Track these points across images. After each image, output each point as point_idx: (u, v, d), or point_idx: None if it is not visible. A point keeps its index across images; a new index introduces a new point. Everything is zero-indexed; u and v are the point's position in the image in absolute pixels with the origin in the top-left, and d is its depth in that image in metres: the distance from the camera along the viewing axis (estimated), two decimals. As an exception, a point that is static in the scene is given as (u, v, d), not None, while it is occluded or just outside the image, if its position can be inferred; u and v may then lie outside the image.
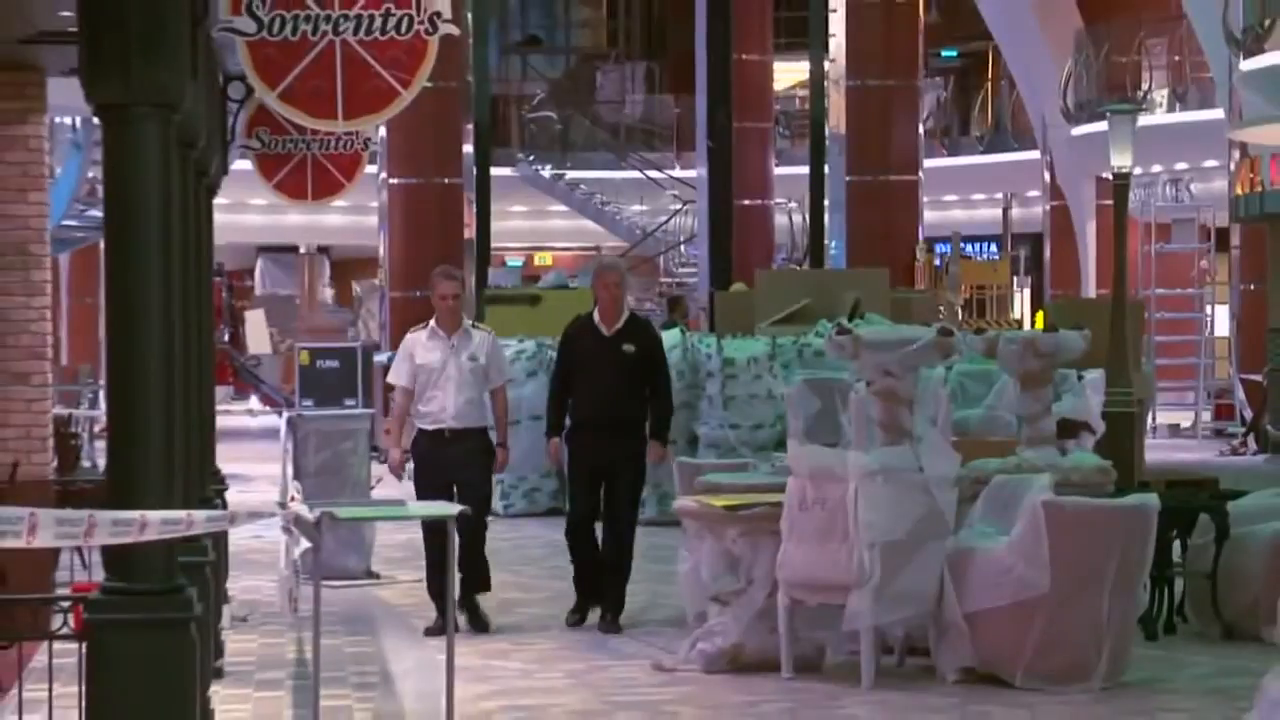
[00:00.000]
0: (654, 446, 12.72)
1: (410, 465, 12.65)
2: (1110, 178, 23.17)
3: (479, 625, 12.35)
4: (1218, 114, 29.53)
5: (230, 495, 12.95)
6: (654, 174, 44.75)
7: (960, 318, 32.07)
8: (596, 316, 12.66)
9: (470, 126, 31.71)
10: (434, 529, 11.82)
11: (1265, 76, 24.96)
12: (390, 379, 12.82)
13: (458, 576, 11.61)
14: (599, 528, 12.82)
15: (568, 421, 12.78)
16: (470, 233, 31.63)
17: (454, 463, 12.16)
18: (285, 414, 17.89)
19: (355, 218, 37.85)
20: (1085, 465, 13.10)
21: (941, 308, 29.67)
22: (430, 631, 12.13)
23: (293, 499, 11.73)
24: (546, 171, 44.24)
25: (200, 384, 10.30)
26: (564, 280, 29.28)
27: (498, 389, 12.60)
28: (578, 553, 12.74)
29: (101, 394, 21.93)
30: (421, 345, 12.40)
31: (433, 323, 12.47)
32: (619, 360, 12.44)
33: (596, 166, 45.36)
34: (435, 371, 12.23)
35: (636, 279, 42.37)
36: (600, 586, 12.57)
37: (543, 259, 47.58)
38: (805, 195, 35.29)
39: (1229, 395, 32.38)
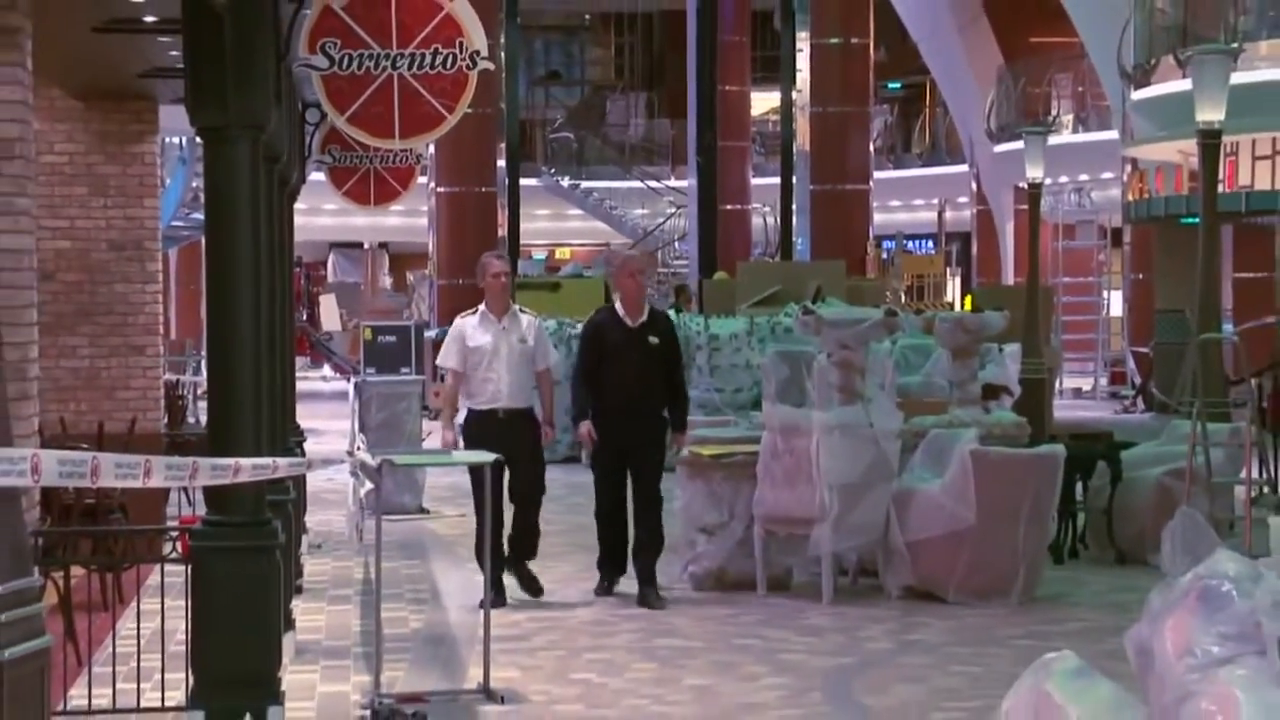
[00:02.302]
0: (678, 438, 11.26)
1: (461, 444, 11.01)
2: (1025, 187, 23.14)
3: (533, 589, 10.97)
4: (1113, 135, 29.49)
5: (308, 446, 12.95)
6: (653, 184, 44.72)
7: (903, 301, 32.03)
8: (620, 308, 11.10)
9: (503, 145, 31.72)
10: (495, 512, 10.21)
11: (1152, 104, 24.96)
12: (440, 362, 11.30)
13: (505, 546, 10.80)
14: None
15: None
16: (503, 232, 31.64)
17: (508, 441, 10.33)
18: (352, 380, 17.88)
19: (409, 219, 37.81)
20: (1005, 421, 13.10)
21: (888, 293, 29.65)
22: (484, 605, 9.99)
23: (358, 449, 11.76)
24: (565, 182, 44.20)
25: (283, 355, 10.31)
26: (579, 270, 29.34)
27: (543, 371, 11.10)
28: (609, 537, 11.18)
29: (203, 363, 21.95)
30: (472, 329, 10.95)
31: (482, 307, 11.03)
32: (645, 351, 10.98)
33: (606, 178, 45.31)
34: (488, 354, 10.82)
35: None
36: (624, 561, 11.15)
37: (562, 253, 47.51)
38: (777, 201, 35.34)
39: (1121, 364, 32.46)
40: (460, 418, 11.18)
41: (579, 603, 10.94)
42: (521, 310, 11.20)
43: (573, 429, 11.38)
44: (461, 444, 10.78)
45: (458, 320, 11.18)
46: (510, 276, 11.55)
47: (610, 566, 11.19)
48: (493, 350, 10.81)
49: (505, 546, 10.84)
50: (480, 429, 10.68)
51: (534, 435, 10.90)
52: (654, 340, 11.01)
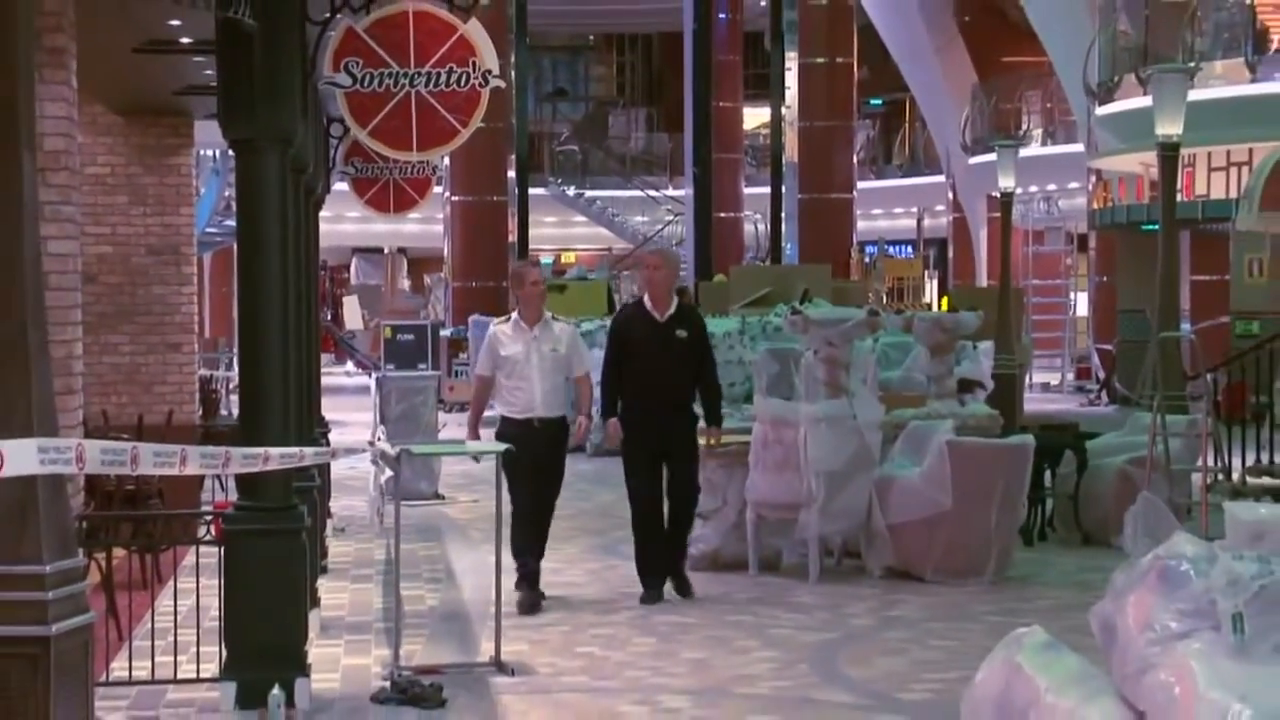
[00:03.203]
0: (711, 431, 10.48)
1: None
2: (998, 196, 23.13)
3: (536, 606, 9.93)
4: (1079, 148, 29.46)
5: (332, 436, 12.96)
6: (652, 193, 44.66)
7: (884, 302, 32.01)
8: (648, 303, 10.32)
9: (513, 157, 31.75)
10: (523, 497, 9.89)
11: (1115, 119, 24.95)
12: (474, 369, 10.65)
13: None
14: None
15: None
16: (513, 237, 31.67)
17: (540, 451, 9.81)
18: (373, 375, 17.89)
19: (426, 226, 37.76)
20: (979, 413, 13.14)
21: (870, 294, 29.62)
22: (520, 605, 9.79)
23: (379, 439, 11.76)
24: (570, 191, 44.15)
25: (309, 351, 10.32)
26: (584, 273, 29.28)
27: (582, 376, 10.20)
28: (649, 538, 10.25)
29: (234, 359, 21.93)
30: (505, 338, 10.08)
31: (514, 315, 10.17)
32: (673, 345, 10.16)
33: (608, 187, 45.25)
34: (519, 363, 9.95)
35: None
36: (666, 567, 10.29)
37: (567, 258, 47.39)
38: (767, 209, 35.35)
39: (1087, 361, 32.39)
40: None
41: (584, 581, 10.93)
42: (554, 318, 10.26)
43: (603, 427, 10.48)
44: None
45: (492, 327, 10.37)
46: (545, 285, 10.66)
47: (655, 574, 10.21)
48: (524, 359, 9.98)
49: (539, 545, 10.19)
50: (515, 435, 9.77)
51: (563, 441, 10.16)
52: (682, 334, 10.23)
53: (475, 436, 10.27)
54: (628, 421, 10.15)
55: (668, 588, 10.23)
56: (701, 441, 10.47)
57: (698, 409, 10.41)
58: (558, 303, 23.48)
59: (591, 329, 18.00)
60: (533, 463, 9.71)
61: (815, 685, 8.06)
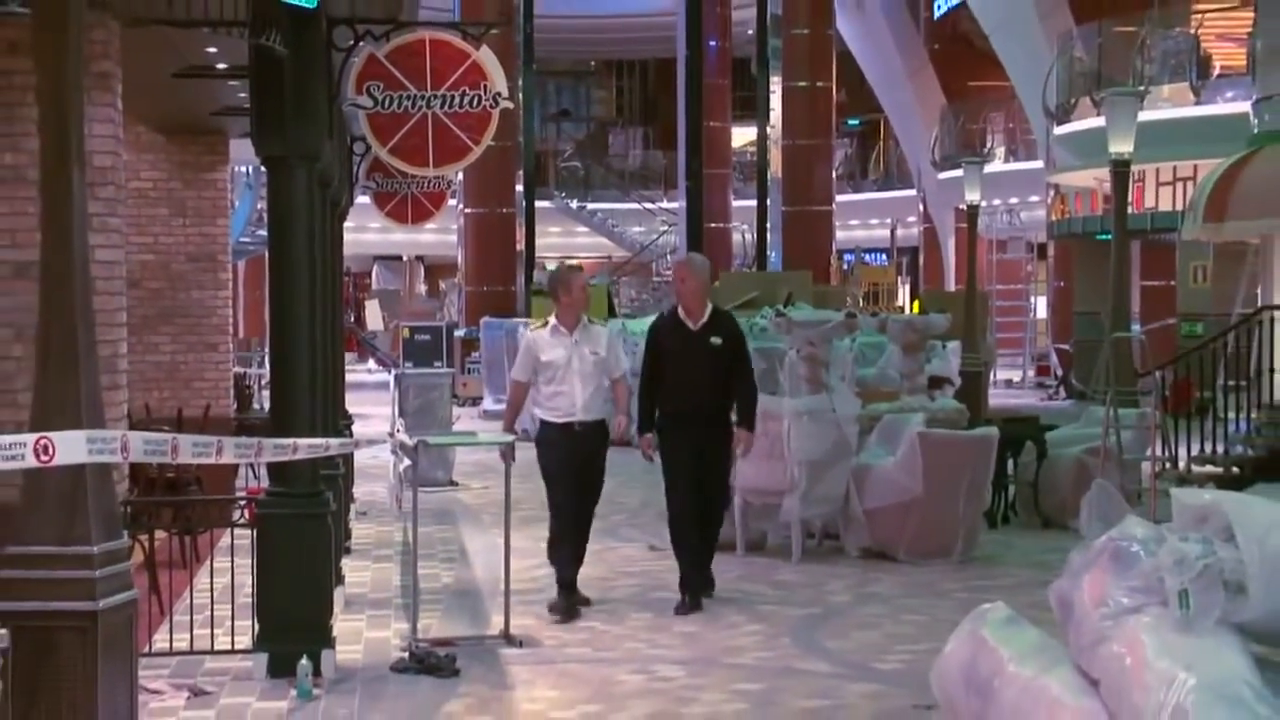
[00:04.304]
0: (744, 435, 9.35)
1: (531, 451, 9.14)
2: (965, 208, 23.13)
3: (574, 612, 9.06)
4: (1038, 164, 29.48)
5: (355, 428, 12.93)
6: (648, 205, 44.66)
7: (861, 305, 32.02)
8: (681, 312, 9.33)
9: (521, 172, 31.73)
10: (563, 501, 9.17)
11: (1071, 138, 24.94)
12: (513, 374, 9.47)
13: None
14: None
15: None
16: (520, 246, 31.65)
17: (582, 455, 9.04)
18: (393, 372, 17.85)
19: (441, 235, 37.73)
20: (947, 407, 13.11)
21: (848, 298, 29.62)
22: (555, 609, 9.03)
23: (398, 430, 11.74)
24: (573, 204, 44.16)
25: (334, 350, 10.30)
26: (586, 280, 29.24)
27: (617, 380, 9.25)
28: (685, 547, 9.36)
29: (266, 357, 21.92)
30: (545, 343, 9.14)
31: (553, 320, 9.20)
32: (709, 353, 9.19)
33: (608, 200, 45.25)
34: (561, 368, 9.04)
35: (637, 278, 42.44)
36: (698, 577, 9.44)
37: (571, 265, 47.49)
38: (754, 220, 35.35)
39: (1046, 359, 32.43)
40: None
41: (586, 562, 10.90)
42: (591, 321, 9.33)
43: (637, 436, 9.47)
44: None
45: (530, 333, 9.36)
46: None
47: (696, 582, 9.33)
48: (565, 364, 9.05)
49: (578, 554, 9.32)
50: (557, 436, 9.06)
51: (605, 444, 9.21)
52: (717, 341, 9.23)
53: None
54: (664, 430, 9.24)
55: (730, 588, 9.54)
56: (738, 448, 9.50)
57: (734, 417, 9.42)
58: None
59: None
60: (573, 467, 9.05)
61: (797, 656, 8.06)
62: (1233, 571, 5.26)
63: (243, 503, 8.07)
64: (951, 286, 35.61)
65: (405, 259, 48.07)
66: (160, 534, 9.24)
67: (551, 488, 9.16)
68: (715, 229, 35.38)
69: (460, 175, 27.39)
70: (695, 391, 9.17)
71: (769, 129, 34.03)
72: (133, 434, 4.91)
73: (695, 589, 9.27)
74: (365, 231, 37.50)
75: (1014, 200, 34.20)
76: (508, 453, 8.44)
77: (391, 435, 11.66)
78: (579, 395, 9.03)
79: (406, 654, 7.75)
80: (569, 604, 9.06)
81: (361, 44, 7.85)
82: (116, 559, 4.77)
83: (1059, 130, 25.51)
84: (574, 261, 46.96)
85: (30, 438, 4.40)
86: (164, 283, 13.36)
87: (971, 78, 36.60)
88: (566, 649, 8.16)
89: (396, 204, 14.44)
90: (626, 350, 12.72)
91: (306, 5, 7.08)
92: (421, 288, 49.14)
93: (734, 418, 9.31)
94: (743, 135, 42.38)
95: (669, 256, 41.54)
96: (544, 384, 9.12)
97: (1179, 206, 22.19)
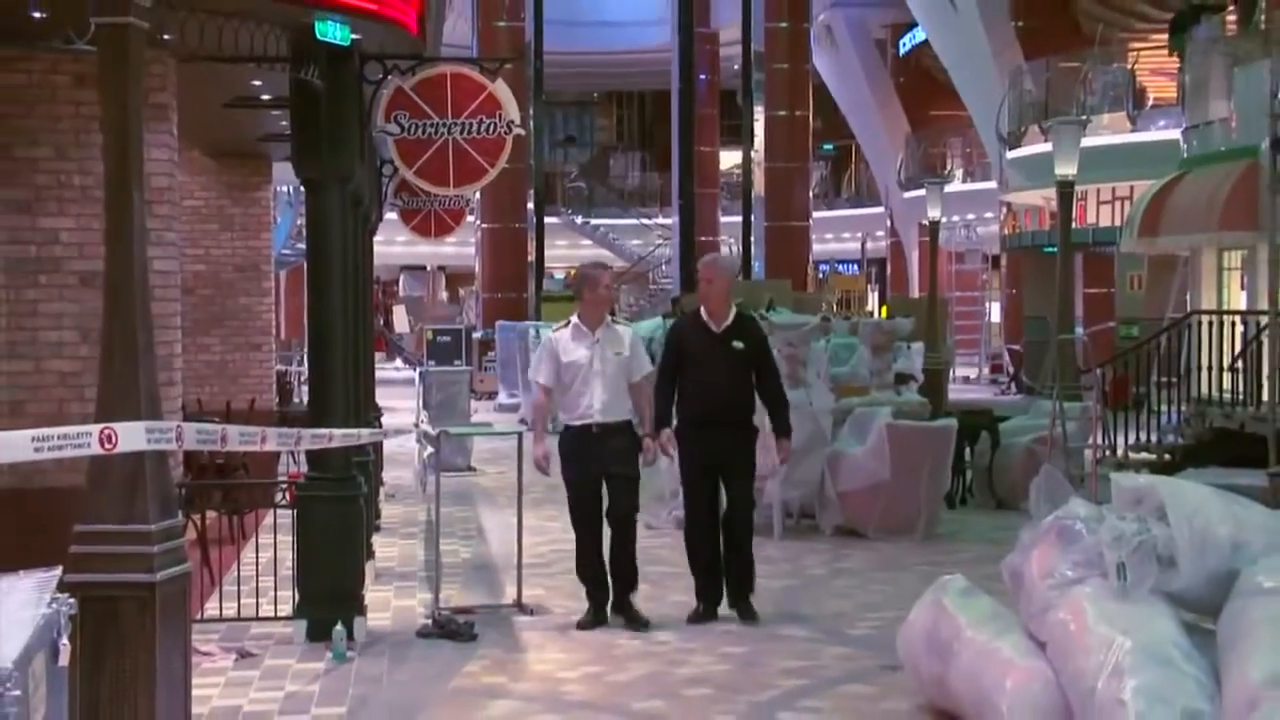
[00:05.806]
0: (783, 445, 8.18)
1: (556, 459, 7.90)
2: (927, 224, 23.13)
3: (637, 624, 7.84)
4: (993, 185, 29.50)
5: (384, 420, 12.94)
6: (645, 221, 44.67)
7: (834, 310, 32.02)
8: (704, 314, 8.14)
9: (531, 191, 31.74)
10: (583, 511, 7.94)
11: (1022, 162, 24.95)
12: (531, 376, 8.37)
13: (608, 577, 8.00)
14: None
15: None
16: (531, 258, 31.66)
17: (603, 458, 7.77)
18: (417, 369, 17.85)
19: (461, 248, 37.64)
20: (912, 401, 13.12)
21: (823, 304, 29.60)
22: (583, 625, 7.89)
23: (422, 422, 11.76)
24: (578, 219, 44.16)
25: (365, 350, 10.30)
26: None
27: (638, 383, 7.96)
28: (700, 554, 8.14)
29: (305, 356, 21.90)
30: (566, 344, 7.95)
31: (574, 320, 8.02)
32: (731, 356, 8.00)
33: (610, 216, 45.21)
34: (582, 368, 7.85)
35: (635, 286, 42.43)
36: (720, 586, 8.16)
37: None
38: (740, 234, 35.34)
39: (999, 358, 32.42)
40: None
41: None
42: (614, 321, 8.20)
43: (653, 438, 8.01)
44: (556, 458, 7.88)
45: (551, 334, 8.21)
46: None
47: (709, 593, 8.15)
48: (586, 365, 7.87)
49: (607, 572, 8.01)
50: (575, 445, 7.86)
51: (630, 449, 7.89)
52: (739, 345, 8.05)
53: (543, 448, 7.92)
54: (684, 435, 8.05)
55: (726, 608, 8.15)
56: (776, 458, 8.46)
57: (758, 422, 8.24)
58: (569, 310, 23.49)
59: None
60: (595, 472, 7.80)
61: (778, 622, 8.06)
62: (1165, 547, 5.27)
63: (284, 486, 8.07)
64: (915, 294, 35.60)
65: (429, 269, 48.02)
66: (211, 514, 9.25)
67: (570, 498, 7.98)
68: (705, 242, 35.37)
69: (478, 194, 27.39)
70: (716, 395, 7.98)
71: (753, 153, 34.04)
72: (186, 424, 4.92)
73: (713, 598, 8.14)
74: (393, 244, 37.37)
75: (971, 217, 34.22)
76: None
77: (416, 426, 11.68)
78: (598, 396, 7.82)
79: (430, 621, 7.75)
80: (591, 622, 7.92)
81: (390, 78, 7.85)
82: (172, 536, 4.77)
83: (1011, 154, 25.52)
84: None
85: (95, 428, 4.40)
86: (214, 290, 13.35)
87: (933, 107, 36.66)
88: (573, 616, 8.15)
89: (421, 219, 14.45)
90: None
91: (341, 43, 7.10)
92: (443, 294, 49.08)
93: (755, 423, 8.17)
94: (730, 159, 42.36)
95: (664, 267, 41.55)
96: (565, 386, 7.92)
97: (1117, 222, 22.22)
